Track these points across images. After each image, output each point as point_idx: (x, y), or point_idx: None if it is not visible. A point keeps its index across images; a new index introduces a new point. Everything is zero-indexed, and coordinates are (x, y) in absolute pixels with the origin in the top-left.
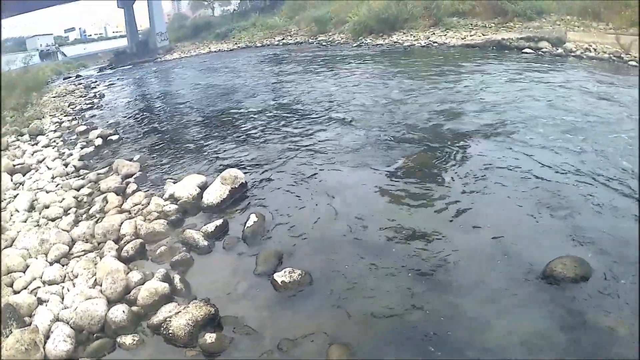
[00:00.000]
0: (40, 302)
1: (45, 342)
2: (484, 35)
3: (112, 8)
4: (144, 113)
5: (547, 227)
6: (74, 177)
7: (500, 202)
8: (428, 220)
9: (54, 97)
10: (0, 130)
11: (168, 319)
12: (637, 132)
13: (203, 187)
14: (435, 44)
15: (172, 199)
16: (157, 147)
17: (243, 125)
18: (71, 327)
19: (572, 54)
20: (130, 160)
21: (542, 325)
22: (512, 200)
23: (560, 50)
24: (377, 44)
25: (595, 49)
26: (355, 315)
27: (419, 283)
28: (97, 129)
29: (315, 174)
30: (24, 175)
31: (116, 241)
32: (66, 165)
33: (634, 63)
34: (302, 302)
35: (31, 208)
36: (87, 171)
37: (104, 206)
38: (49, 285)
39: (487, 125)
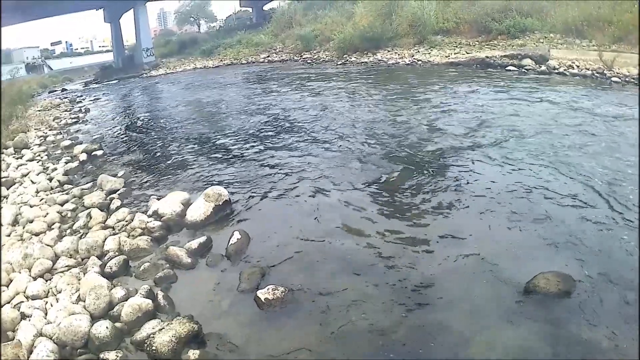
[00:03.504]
0: (23, 316)
1: (28, 357)
2: (468, 53)
3: (99, 22)
4: (129, 129)
5: (530, 243)
6: (58, 192)
7: (482, 218)
8: (410, 237)
9: (39, 110)
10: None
11: (152, 336)
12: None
13: (187, 204)
14: (420, 62)
15: (156, 215)
16: (141, 163)
17: (227, 143)
18: (54, 343)
19: (555, 71)
20: (115, 176)
21: (524, 340)
22: (495, 216)
23: (543, 68)
24: (362, 62)
25: (578, 66)
26: (339, 332)
27: (402, 299)
28: (81, 143)
29: (298, 191)
30: (7, 189)
31: (100, 257)
32: (50, 179)
33: (616, 79)
34: (286, 319)
35: (15, 222)
36: (71, 186)
37: (88, 222)
38: (33, 300)
39: (469, 143)
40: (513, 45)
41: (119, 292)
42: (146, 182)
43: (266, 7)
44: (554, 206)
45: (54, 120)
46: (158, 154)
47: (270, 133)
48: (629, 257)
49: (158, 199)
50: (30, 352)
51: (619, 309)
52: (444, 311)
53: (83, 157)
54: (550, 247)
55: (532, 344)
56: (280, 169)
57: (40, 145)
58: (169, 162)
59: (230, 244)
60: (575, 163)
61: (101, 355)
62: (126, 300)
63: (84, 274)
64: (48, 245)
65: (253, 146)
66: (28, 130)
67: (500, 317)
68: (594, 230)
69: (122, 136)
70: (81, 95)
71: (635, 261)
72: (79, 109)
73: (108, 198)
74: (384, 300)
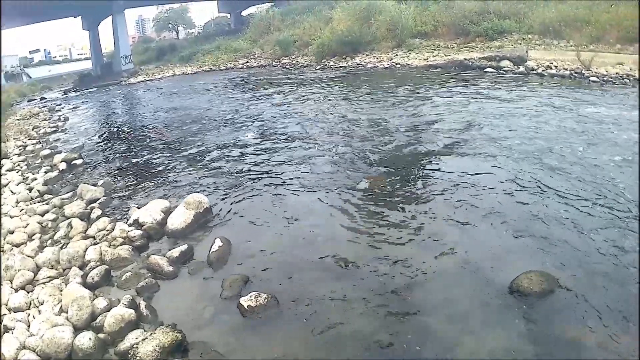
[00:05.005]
0: (6, 329)
1: None
2: (446, 55)
3: (77, 30)
4: (108, 137)
5: (513, 243)
6: (38, 202)
7: (464, 220)
8: (393, 241)
9: (18, 119)
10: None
11: (135, 346)
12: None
13: (167, 212)
14: (398, 65)
15: (137, 224)
16: (121, 171)
17: (206, 150)
18: (38, 355)
19: (534, 71)
20: (95, 185)
21: (509, 340)
22: (476, 217)
23: (522, 69)
24: (341, 66)
25: (556, 66)
26: (323, 338)
27: (385, 304)
28: (61, 153)
29: (279, 197)
30: None
31: (81, 267)
32: (30, 189)
33: (594, 79)
34: (269, 326)
35: None
36: (51, 196)
37: (69, 232)
38: (15, 312)
39: (449, 145)
40: (491, 47)
41: (101, 303)
42: (126, 190)
43: (244, 13)
44: (535, 206)
45: (33, 129)
46: (138, 162)
47: (249, 139)
48: (611, 254)
49: (138, 208)
50: None
51: (602, 306)
52: (428, 314)
53: (63, 166)
54: (532, 246)
55: (517, 344)
56: (260, 175)
57: (19, 154)
58: (148, 170)
59: (211, 251)
60: (555, 163)
61: None
62: (109, 311)
63: (66, 284)
64: (29, 256)
65: (232, 153)
66: (7, 140)
67: (485, 318)
68: (576, 229)
69: (102, 145)
70: (60, 104)
71: (621, 259)
72: (58, 117)
73: (88, 207)
74: (368, 305)
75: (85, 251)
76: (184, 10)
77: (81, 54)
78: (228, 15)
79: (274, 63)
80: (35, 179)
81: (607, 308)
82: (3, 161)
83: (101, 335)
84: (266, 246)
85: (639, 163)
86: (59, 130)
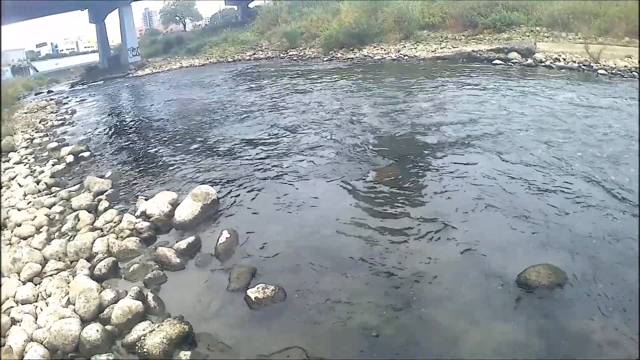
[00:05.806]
0: (13, 322)
1: None
2: (454, 47)
3: (84, 23)
4: (115, 130)
5: (520, 236)
6: (46, 195)
7: (471, 212)
8: (400, 234)
9: (25, 113)
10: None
11: (142, 338)
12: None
13: (175, 204)
14: (406, 57)
15: (144, 216)
16: (128, 163)
17: (214, 142)
18: (45, 347)
19: (542, 64)
20: (102, 177)
21: (516, 333)
22: (484, 210)
23: (530, 61)
24: (348, 58)
25: (564, 59)
26: (330, 330)
27: (392, 296)
28: (68, 145)
29: (286, 189)
30: None
31: (89, 259)
32: (38, 182)
33: (602, 71)
34: (276, 318)
35: (3, 226)
36: (58, 188)
37: (76, 224)
38: (22, 304)
39: (456, 138)
40: (499, 39)
41: (108, 295)
42: (134, 182)
43: (251, 5)
44: (543, 199)
45: (40, 122)
46: (145, 154)
47: (256, 131)
48: (618, 248)
49: (146, 200)
50: (22, 357)
51: (610, 299)
52: (434, 307)
53: (70, 159)
54: (540, 239)
55: (525, 337)
56: (267, 167)
57: (27, 148)
58: (156, 162)
59: (219, 243)
60: (562, 156)
61: (92, 359)
62: (116, 303)
63: (73, 277)
64: (36, 248)
65: (239, 144)
66: (14, 133)
67: (492, 312)
68: (583, 223)
69: (109, 137)
70: (67, 97)
71: (628, 253)
72: (65, 110)
73: (96, 199)
74: (374, 298)
75: (92, 243)
76: (191, 3)
77: (88, 47)
78: (235, 7)
79: (281, 55)
80: (43, 172)
81: (615, 302)
82: (10, 154)
83: (108, 327)
84: (273, 238)
85: (639, 158)
86: (66, 123)
